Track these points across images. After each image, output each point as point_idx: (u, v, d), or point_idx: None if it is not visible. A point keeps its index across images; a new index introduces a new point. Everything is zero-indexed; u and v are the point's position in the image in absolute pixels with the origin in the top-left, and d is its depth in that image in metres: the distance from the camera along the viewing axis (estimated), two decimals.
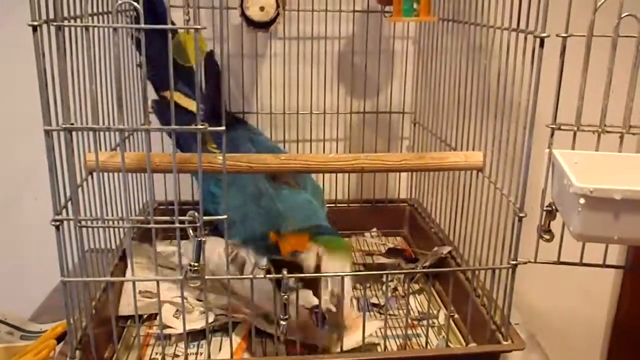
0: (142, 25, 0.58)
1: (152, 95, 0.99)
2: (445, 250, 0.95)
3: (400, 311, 0.91)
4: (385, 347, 0.82)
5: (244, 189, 0.93)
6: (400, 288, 0.98)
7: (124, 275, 0.84)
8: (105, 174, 0.76)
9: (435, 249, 0.97)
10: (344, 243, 0.84)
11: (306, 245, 0.82)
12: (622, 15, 0.64)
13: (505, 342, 0.75)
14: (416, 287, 0.99)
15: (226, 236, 0.67)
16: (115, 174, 0.71)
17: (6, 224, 1.23)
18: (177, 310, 0.84)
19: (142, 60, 0.60)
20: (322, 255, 0.79)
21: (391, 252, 1.08)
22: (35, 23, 0.58)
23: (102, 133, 0.77)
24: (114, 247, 0.85)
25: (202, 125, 0.61)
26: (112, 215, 0.79)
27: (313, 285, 0.78)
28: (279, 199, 0.93)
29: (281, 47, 1.16)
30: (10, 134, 1.16)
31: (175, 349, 0.81)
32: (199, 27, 0.58)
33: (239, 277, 0.71)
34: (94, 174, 0.68)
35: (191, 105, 0.93)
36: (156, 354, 0.81)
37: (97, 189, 0.66)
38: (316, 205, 0.95)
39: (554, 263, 0.73)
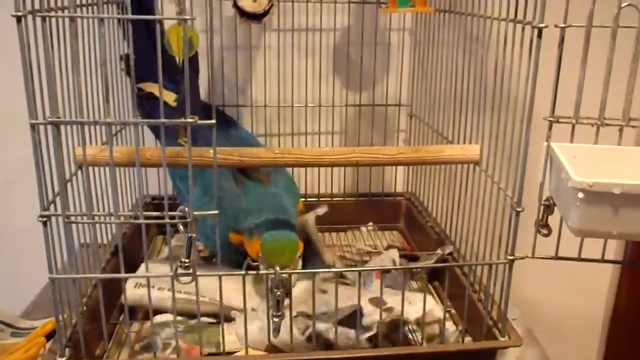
0: (129, 16, 0.57)
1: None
2: (447, 250, 0.94)
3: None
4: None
5: (207, 188, 0.88)
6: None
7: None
8: (97, 168, 0.76)
9: (439, 251, 0.96)
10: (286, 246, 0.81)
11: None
12: (622, 5, 0.63)
13: (502, 339, 0.74)
14: (414, 285, 0.98)
15: (219, 233, 0.66)
16: (107, 168, 0.70)
17: None
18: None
19: (130, 51, 0.58)
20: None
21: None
22: (20, 14, 0.56)
23: (91, 127, 0.76)
24: (105, 242, 0.84)
25: (191, 118, 0.59)
26: (104, 211, 0.77)
27: None
28: (245, 194, 0.90)
29: (275, 39, 1.14)
30: (2, 126, 1.15)
31: None
32: (187, 17, 0.56)
33: (230, 273, 0.69)
34: (83, 168, 0.66)
35: (168, 97, 0.91)
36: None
37: (86, 184, 0.65)
38: (283, 200, 0.92)
39: (551, 258, 0.72)
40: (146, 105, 0.90)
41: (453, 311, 0.88)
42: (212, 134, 0.60)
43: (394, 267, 0.90)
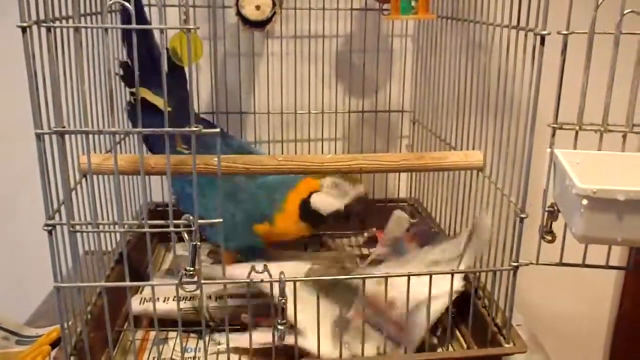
0: (133, 26, 0.57)
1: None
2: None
3: None
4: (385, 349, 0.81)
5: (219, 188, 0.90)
6: None
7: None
8: (101, 177, 0.76)
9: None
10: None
11: (314, 183, 0.88)
12: (625, 12, 0.63)
13: (507, 345, 0.74)
14: None
15: (222, 240, 0.66)
16: (111, 176, 0.70)
17: (3, 227, 1.22)
18: None
19: (135, 60, 0.59)
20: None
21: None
22: (25, 24, 0.57)
23: (95, 136, 0.76)
24: (110, 250, 0.85)
25: (196, 127, 0.60)
26: (108, 219, 0.78)
27: None
28: (256, 185, 0.92)
29: (278, 46, 1.15)
30: (7, 136, 1.15)
31: (172, 353, 0.80)
32: (191, 27, 0.56)
33: (236, 281, 0.69)
34: (87, 177, 0.67)
35: (159, 102, 0.91)
36: (153, 358, 0.80)
37: (91, 193, 0.65)
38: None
39: (556, 265, 0.72)
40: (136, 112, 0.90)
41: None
42: (215, 142, 0.61)
43: (399, 274, 0.89)
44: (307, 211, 0.89)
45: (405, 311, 0.73)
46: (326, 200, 0.89)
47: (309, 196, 0.89)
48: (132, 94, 0.92)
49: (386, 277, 0.73)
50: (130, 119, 0.95)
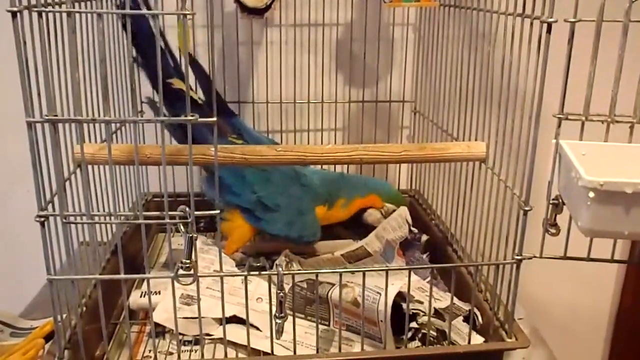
0: (127, 11, 0.55)
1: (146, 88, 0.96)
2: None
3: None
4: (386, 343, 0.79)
5: (284, 173, 0.95)
6: None
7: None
8: (97, 167, 0.74)
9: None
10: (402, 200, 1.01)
11: (379, 203, 0.99)
12: None
13: (509, 340, 0.72)
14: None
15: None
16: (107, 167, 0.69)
17: None
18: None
19: (131, 49, 0.57)
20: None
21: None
22: (15, 9, 0.55)
23: (91, 125, 0.74)
24: (105, 241, 0.83)
25: (192, 116, 0.58)
26: (104, 210, 0.76)
27: None
28: (310, 174, 0.98)
29: (277, 35, 1.13)
30: (3, 126, 1.14)
31: (168, 346, 0.79)
32: (187, 12, 0.55)
33: (232, 274, 0.68)
34: (82, 167, 0.65)
35: (195, 95, 0.91)
36: (149, 351, 0.79)
37: (85, 184, 0.63)
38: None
39: (560, 258, 0.70)
40: (178, 102, 0.88)
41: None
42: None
43: (399, 267, 0.88)
44: (354, 218, 1.00)
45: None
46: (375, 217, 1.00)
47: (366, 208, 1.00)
48: (169, 83, 0.90)
49: (387, 270, 0.72)
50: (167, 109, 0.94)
